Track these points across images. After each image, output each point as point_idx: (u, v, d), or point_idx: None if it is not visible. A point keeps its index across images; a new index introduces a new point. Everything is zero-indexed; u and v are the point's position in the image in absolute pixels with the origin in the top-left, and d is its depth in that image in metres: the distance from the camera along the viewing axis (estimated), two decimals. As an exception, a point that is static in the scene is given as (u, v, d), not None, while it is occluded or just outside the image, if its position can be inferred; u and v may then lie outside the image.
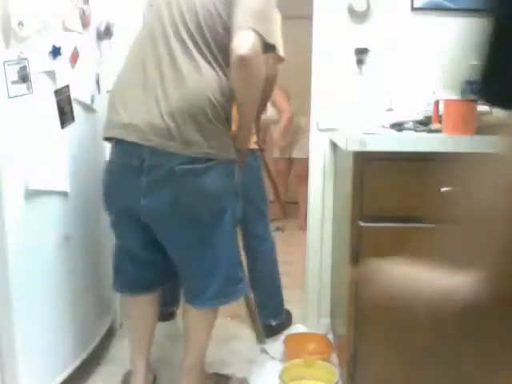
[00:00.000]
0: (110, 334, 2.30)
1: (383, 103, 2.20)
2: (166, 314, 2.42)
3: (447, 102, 1.71)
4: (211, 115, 1.52)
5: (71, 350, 1.89)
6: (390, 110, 2.16)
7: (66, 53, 1.74)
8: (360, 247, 1.67)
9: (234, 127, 1.69)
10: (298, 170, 4.45)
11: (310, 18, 2.29)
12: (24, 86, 1.55)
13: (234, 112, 1.66)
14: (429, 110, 1.91)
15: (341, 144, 1.85)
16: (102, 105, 2.10)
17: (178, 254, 1.69)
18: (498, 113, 1.93)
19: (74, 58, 1.82)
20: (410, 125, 1.90)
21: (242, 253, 2.24)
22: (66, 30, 1.74)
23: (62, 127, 1.75)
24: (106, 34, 2.06)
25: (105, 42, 2.13)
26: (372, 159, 1.63)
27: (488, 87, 0.51)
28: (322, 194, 2.34)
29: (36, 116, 1.61)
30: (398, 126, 1.90)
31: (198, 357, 1.81)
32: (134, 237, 1.72)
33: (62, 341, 1.82)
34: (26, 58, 1.54)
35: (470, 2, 2.16)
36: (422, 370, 1.81)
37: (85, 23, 1.89)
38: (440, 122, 1.74)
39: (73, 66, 1.81)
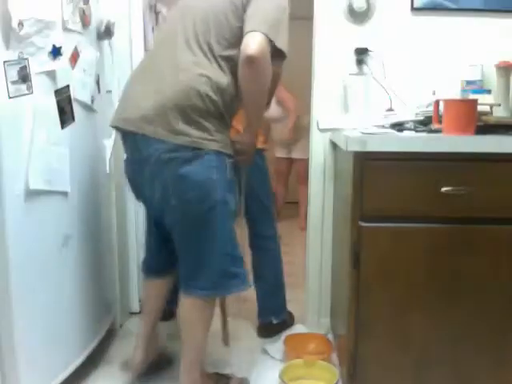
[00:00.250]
0: (110, 335, 2.31)
1: (383, 103, 2.20)
2: (167, 313, 2.42)
3: (447, 102, 1.71)
4: (201, 109, 1.59)
5: (71, 350, 1.89)
6: (391, 110, 2.16)
7: (66, 53, 1.74)
8: (360, 247, 1.67)
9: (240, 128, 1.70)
10: (298, 170, 4.45)
11: (310, 18, 2.30)
12: (24, 85, 1.55)
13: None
14: (429, 110, 1.91)
15: (341, 144, 1.85)
16: (101, 105, 2.10)
17: (176, 241, 1.75)
18: (498, 113, 1.93)
19: (74, 58, 1.82)
20: (410, 125, 1.90)
21: (248, 250, 2.25)
22: (66, 30, 1.74)
23: (62, 127, 1.75)
24: (106, 33, 2.06)
25: (105, 42, 2.13)
26: (372, 159, 1.63)
27: None
28: (322, 194, 2.34)
29: (36, 116, 1.61)
30: (399, 126, 1.90)
31: (196, 354, 1.80)
32: (153, 225, 1.90)
33: (62, 341, 1.82)
34: (26, 58, 1.54)
35: (470, 1, 2.16)
36: (422, 370, 1.83)
37: (85, 23, 1.89)
38: (440, 122, 1.74)
39: (73, 66, 1.81)
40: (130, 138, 1.69)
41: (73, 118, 1.82)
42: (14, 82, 1.50)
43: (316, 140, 2.31)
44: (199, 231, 1.67)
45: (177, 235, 1.73)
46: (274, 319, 2.37)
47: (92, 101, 1.97)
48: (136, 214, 2.52)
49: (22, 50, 1.53)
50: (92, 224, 2.05)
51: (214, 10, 1.65)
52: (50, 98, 1.69)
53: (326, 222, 2.35)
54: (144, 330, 1.99)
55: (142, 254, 2.55)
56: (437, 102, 1.77)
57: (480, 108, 1.74)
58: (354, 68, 2.24)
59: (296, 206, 4.57)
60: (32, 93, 1.58)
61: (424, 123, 1.88)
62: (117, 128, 1.75)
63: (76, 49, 1.83)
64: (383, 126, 1.93)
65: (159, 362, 2.05)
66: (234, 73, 1.63)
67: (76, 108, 1.84)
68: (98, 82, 2.04)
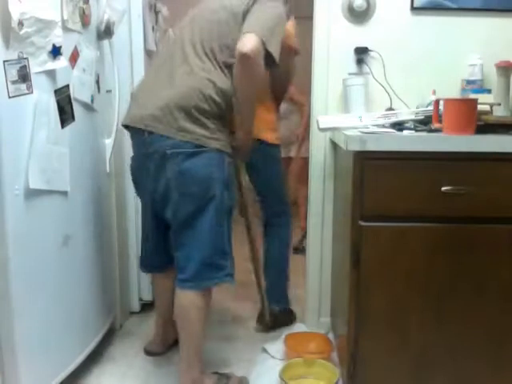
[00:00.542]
0: (110, 335, 2.31)
1: (383, 102, 2.20)
2: None
3: (447, 102, 1.71)
4: (205, 110, 1.71)
5: (71, 349, 1.89)
6: (390, 109, 2.16)
7: (66, 52, 1.74)
8: (360, 247, 1.67)
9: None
10: (295, 169, 4.44)
11: (310, 17, 2.29)
12: (24, 85, 1.55)
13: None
14: (429, 110, 1.91)
15: (341, 143, 1.85)
16: (101, 104, 2.10)
17: (172, 235, 1.83)
18: (498, 112, 1.93)
19: (74, 57, 1.82)
20: (410, 124, 1.90)
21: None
22: (66, 29, 1.74)
23: (62, 127, 1.76)
24: (106, 33, 2.06)
25: (105, 42, 2.13)
26: (372, 159, 1.63)
27: None
28: (322, 194, 2.34)
29: (36, 115, 1.60)
30: (398, 126, 1.90)
31: (194, 352, 1.83)
32: (151, 222, 1.96)
33: (63, 341, 1.82)
34: (26, 58, 1.54)
35: (470, 1, 2.16)
36: (422, 369, 1.83)
37: (85, 23, 1.89)
38: (440, 121, 1.74)
39: (73, 66, 1.82)
40: (137, 135, 1.81)
41: (73, 118, 1.82)
42: (13, 82, 1.50)
43: (316, 139, 2.31)
44: (193, 224, 1.76)
45: (173, 228, 1.82)
46: (275, 306, 2.41)
47: (92, 100, 1.97)
48: (136, 214, 2.52)
49: (21, 50, 1.53)
50: (92, 224, 2.05)
51: (218, 20, 1.78)
52: (50, 98, 1.68)
53: (326, 221, 2.35)
54: (159, 321, 2.20)
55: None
56: (437, 102, 1.77)
57: (480, 107, 1.74)
58: (354, 67, 2.24)
59: (295, 206, 4.56)
60: (32, 92, 1.58)
61: (424, 123, 1.88)
62: (126, 126, 1.88)
63: (76, 48, 1.83)
64: (383, 126, 1.93)
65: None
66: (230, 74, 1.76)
67: (76, 107, 1.84)
68: (97, 82, 2.04)
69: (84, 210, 1.97)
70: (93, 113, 2.01)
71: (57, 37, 1.65)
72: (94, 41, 2.01)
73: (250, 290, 2.58)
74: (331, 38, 2.23)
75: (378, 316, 1.71)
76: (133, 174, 1.97)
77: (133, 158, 1.94)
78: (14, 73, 1.50)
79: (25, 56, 1.54)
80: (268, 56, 1.72)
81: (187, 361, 1.83)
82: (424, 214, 1.66)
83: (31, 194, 1.61)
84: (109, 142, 2.18)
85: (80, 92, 1.87)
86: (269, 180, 2.39)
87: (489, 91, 2.08)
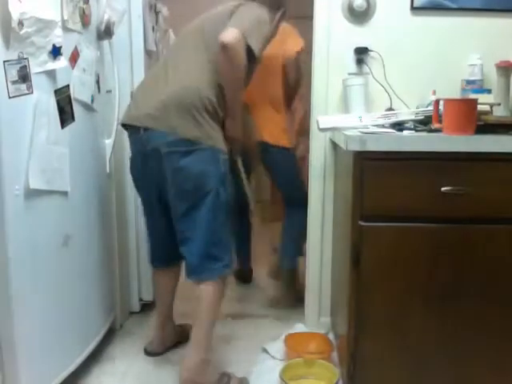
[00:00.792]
0: (110, 335, 2.31)
1: (383, 103, 2.20)
2: (247, 275, 2.97)
3: (447, 102, 1.71)
4: (199, 107, 1.79)
5: (72, 349, 1.89)
6: (390, 109, 2.16)
7: (66, 52, 1.74)
8: (360, 247, 1.67)
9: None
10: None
11: (310, 17, 2.29)
12: (24, 85, 1.55)
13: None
14: (429, 110, 1.91)
15: (341, 143, 1.85)
16: (101, 104, 2.10)
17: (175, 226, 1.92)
18: (498, 112, 1.93)
19: (74, 57, 1.82)
20: (410, 124, 1.90)
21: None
22: (66, 29, 1.74)
23: (63, 127, 1.76)
24: (106, 33, 2.06)
25: (105, 42, 2.13)
26: (372, 159, 1.63)
27: None
28: (322, 194, 2.34)
29: (36, 116, 1.60)
30: (398, 126, 1.90)
31: (204, 336, 1.90)
32: (157, 218, 2.02)
33: (63, 341, 1.82)
34: (26, 58, 1.54)
35: (470, 1, 2.16)
36: (422, 370, 1.83)
37: (85, 23, 1.89)
38: (440, 121, 1.74)
39: (73, 66, 1.82)
40: (134, 134, 1.90)
41: (73, 118, 1.82)
42: (13, 82, 1.50)
43: (316, 140, 2.31)
44: (190, 219, 1.84)
45: (174, 222, 1.91)
46: (284, 262, 2.70)
47: (92, 100, 1.97)
48: (136, 214, 2.52)
49: (21, 50, 1.52)
50: (92, 224, 2.05)
51: (217, 21, 1.88)
52: (50, 98, 1.68)
53: (326, 221, 2.35)
54: (159, 321, 2.21)
55: (142, 254, 2.57)
56: (437, 102, 1.76)
57: (480, 107, 1.74)
58: (354, 67, 2.24)
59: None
60: (32, 92, 1.58)
61: (424, 123, 1.88)
62: (124, 125, 1.96)
63: (76, 48, 1.83)
64: (383, 126, 1.93)
65: (180, 341, 2.25)
66: None
67: (76, 108, 1.84)
68: (98, 82, 2.04)
69: (84, 210, 1.97)
70: (93, 113, 2.01)
71: (57, 37, 1.65)
72: (94, 41, 2.01)
73: (251, 291, 2.58)
74: (331, 38, 2.23)
75: (377, 316, 1.71)
76: (133, 174, 2.03)
77: (131, 158, 2.01)
78: (14, 73, 1.50)
79: (25, 56, 1.54)
80: (249, 51, 1.81)
81: (197, 342, 1.90)
82: (424, 214, 1.66)
83: (31, 194, 1.61)
84: (109, 142, 2.18)
85: (80, 92, 1.87)
86: (286, 181, 2.50)
87: (489, 91, 2.08)
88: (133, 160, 2.00)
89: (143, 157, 1.90)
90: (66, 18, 1.73)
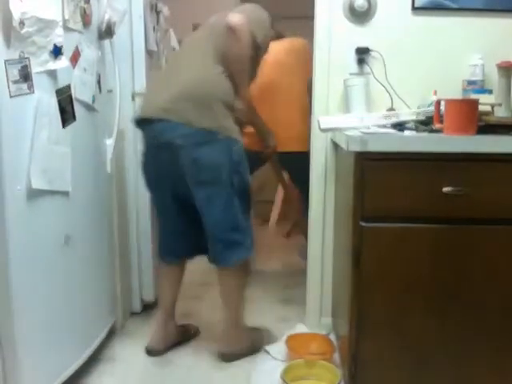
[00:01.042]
0: (111, 335, 2.31)
1: (384, 103, 2.20)
2: None
3: (448, 102, 1.71)
4: (213, 98, 1.87)
5: (73, 350, 1.89)
6: (392, 109, 2.16)
7: (67, 52, 1.74)
8: (361, 247, 1.67)
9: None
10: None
11: (311, 17, 2.29)
12: (25, 85, 1.55)
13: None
14: (430, 110, 1.91)
15: (342, 144, 1.85)
16: (103, 104, 2.10)
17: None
18: (499, 113, 1.93)
19: (75, 57, 1.82)
20: (412, 125, 1.90)
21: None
22: (67, 29, 1.74)
23: (64, 126, 1.75)
24: (107, 33, 2.06)
25: (106, 42, 2.13)
26: (373, 159, 1.63)
27: None
28: (323, 194, 2.34)
29: (37, 115, 1.60)
30: (400, 126, 1.90)
31: (236, 315, 2.12)
32: (172, 218, 2.10)
33: (64, 341, 1.82)
34: (27, 58, 1.54)
35: (471, 1, 2.16)
36: (423, 371, 1.82)
37: (86, 22, 1.89)
38: (441, 122, 1.74)
39: (74, 66, 1.81)
40: (148, 126, 1.96)
41: (74, 118, 1.82)
42: (15, 82, 1.50)
43: (317, 140, 2.31)
44: (208, 208, 1.94)
45: (200, 211, 1.98)
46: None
47: (93, 100, 1.97)
48: (137, 214, 2.52)
49: (23, 49, 1.52)
50: (93, 224, 2.05)
51: (224, 17, 1.94)
52: (51, 98, 1.68)
53: (327, 221, 2.35)
54: (161, 317, 2.23)
55: (143, 254, 2.57)
56: (438, 102, 1.76)
57: (481, 108, 1.74)
58: (355, 67, 2.24)
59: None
60: (33, 92, 1.58)
61: (425, 123, 1.88)
62: (136, 121, 2.02)
63: (77, 48, 1.83)
64: (384, 126, 1.93)
65: (181, 341, 2.28)
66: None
67: (77, 107, 1.84)
68: (99, 82, 2.04)
69: (85, 210, 1.96)
70: (94, 113, 2.01)
71: (58, 36, 1.65)
72: (95, 41, 2.01)
73: (252, 291, 2.58)
74: (332, 38, 2.23)
75: (379, 317, 1.71)
76: (145, 172, 2.09)
77: (144, 154, 2.06)
78: (15, 72, 1.50)
79: (26, 56, 1.54)
80: (253, 40, 1.93)
81: (229, 320, 2.11)
82: (425, 214, 1.66)
83: (33, 194, 1.61)
84: (110, 142, 2.17)
85: (81, 92, 1.87)
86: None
87: (490, 92, 2.08)
88: (145, 155, 2.05)
89: (156, 150, 1.96)
90: (66, 17, 1.73)
